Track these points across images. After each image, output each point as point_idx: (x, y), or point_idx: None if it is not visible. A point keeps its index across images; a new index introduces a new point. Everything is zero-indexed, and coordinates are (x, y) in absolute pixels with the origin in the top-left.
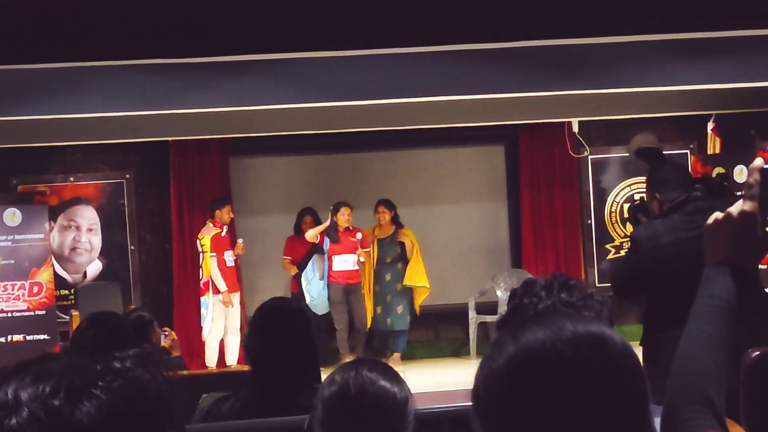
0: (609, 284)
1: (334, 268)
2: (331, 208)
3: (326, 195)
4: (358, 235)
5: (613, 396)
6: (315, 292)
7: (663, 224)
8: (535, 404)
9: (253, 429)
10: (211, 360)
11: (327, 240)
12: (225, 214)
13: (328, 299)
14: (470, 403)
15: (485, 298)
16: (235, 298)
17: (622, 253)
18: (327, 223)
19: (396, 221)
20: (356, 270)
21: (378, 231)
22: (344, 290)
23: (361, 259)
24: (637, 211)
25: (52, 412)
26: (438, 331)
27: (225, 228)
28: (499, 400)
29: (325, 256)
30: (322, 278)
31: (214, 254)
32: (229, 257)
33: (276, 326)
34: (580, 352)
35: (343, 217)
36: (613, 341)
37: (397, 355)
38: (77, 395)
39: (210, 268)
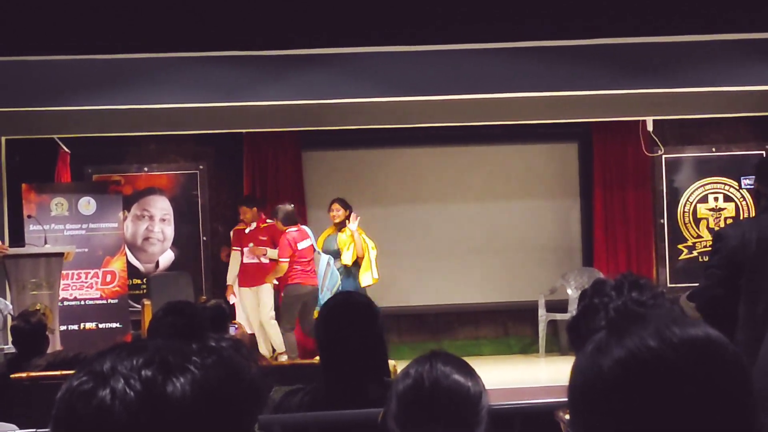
0: (691, 299)
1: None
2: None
3: (398, 189)
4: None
5: (726, 401)
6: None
7: (748, 222)
8: (644, 409)
9: (328, 421)
10: None
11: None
12: (242, 214)
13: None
14: (541, 400)
15: (555, 296)
16: (246, 293)
17: (695, 253)
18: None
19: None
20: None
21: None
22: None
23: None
24: None
25: (147, 384)
26: (507, 328)
27: (251, 225)
28: (603, 402)
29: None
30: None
31: (237, 248)
32: (246, 254)
33: (345, 321)
34: (693, 358)
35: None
36: (723, 345)
37: None
38: (172, 369)
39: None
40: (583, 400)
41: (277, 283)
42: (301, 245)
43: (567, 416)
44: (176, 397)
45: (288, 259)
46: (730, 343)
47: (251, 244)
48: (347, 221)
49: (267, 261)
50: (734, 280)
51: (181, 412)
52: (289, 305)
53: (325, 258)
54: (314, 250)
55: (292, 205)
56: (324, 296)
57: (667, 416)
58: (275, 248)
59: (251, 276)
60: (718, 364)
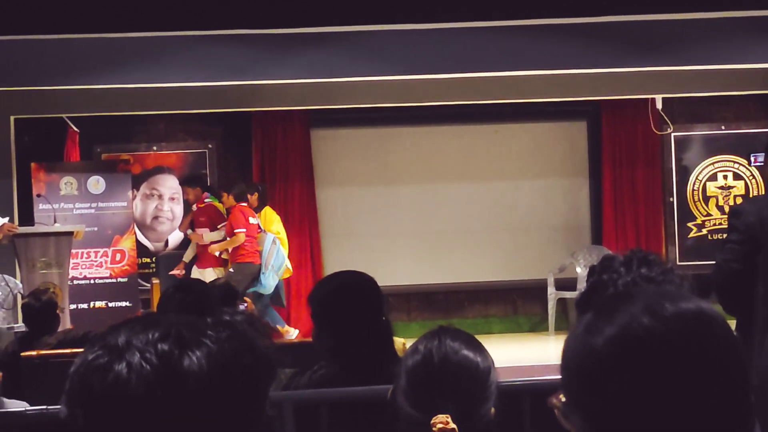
0: (713, 287)
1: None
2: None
3: (407, 167)
4: None
5: (718, 374)
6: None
7: (764, 198)
8: (637, 386)
9: (338, 398)
10: None
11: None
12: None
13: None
14: (550, 377)
15: (564, 274)
16: (203, 273)
17: (704, 231)
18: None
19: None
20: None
21: None
22: None
23: None
24: None
25: (163, 358)
26: (516, 306)
27: (193, 206)
28: (597, 382)
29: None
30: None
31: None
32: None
33: (352, 300)
34: (685, 331)
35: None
36: (715, 318)
37: None
38: (187, 343)
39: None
40: (577, 382)
41: (219, 254)
42: (252, 221)
43: (561, 401)
44: (192, 371)
45: (245, 230)
46: (721, 315)
47: (189, 231)
48: (257, 203)
49: (207, 243)
50: (752, 257)
51: (198, 386)
52: (242, 282)
53: (270, 237)
54: (259, 228)
55: (244, 185)
56: (268, 275)
57: (660, 392)
58: (213, 230)
59: (198, 259)
60: (710, 337)
